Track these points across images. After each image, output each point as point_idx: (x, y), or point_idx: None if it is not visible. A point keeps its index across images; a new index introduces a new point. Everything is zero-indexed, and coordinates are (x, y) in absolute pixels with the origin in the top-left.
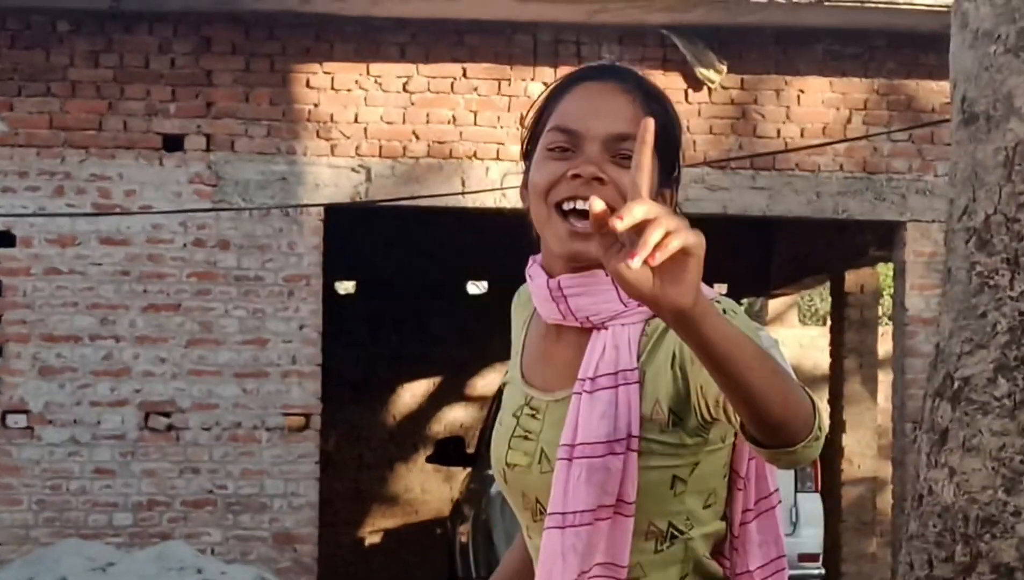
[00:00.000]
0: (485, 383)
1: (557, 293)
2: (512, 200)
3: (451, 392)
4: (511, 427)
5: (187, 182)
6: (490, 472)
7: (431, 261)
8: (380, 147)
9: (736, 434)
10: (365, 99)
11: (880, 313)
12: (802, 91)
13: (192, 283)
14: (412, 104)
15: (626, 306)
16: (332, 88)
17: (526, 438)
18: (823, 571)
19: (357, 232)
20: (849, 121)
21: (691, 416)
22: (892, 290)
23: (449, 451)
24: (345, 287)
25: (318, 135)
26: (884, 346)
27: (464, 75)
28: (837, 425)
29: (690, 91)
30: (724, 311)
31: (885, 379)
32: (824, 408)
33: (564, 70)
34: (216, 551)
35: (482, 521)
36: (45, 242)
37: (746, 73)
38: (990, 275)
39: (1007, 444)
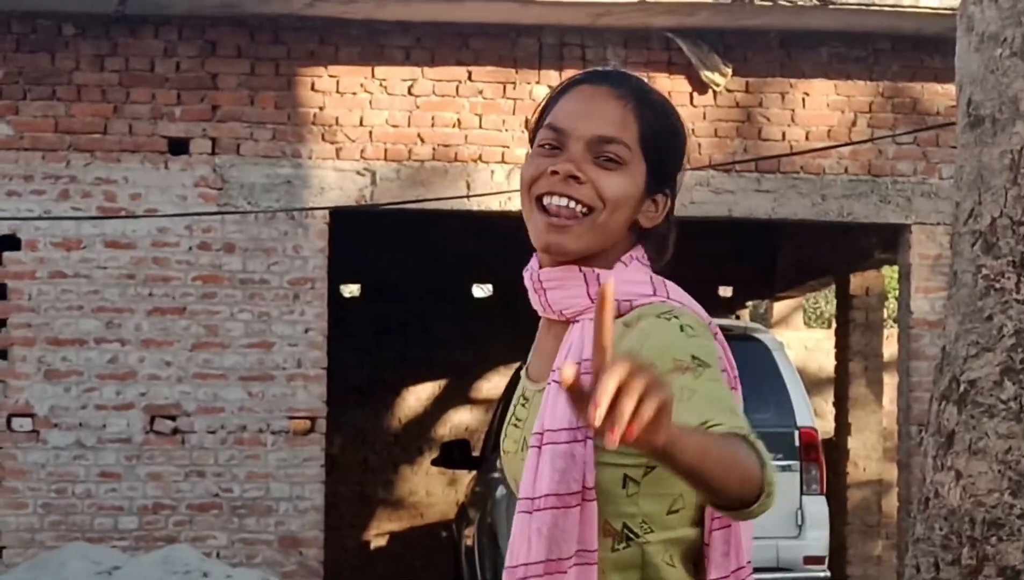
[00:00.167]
0: (490, 386)
1: (538, 285)
2: (517, 203)
3: (456, 395)
4: (510, 416)
5: (192, 185)
6: (495, 475)
7: (436, 264)
8: (385, 150)
9: None
10: (370, 102)
11: (885, 316)
12: (807, 94)
13: (197, 286)
14: (417, 107)
15: (592, 301)
16: (337, 91)
17: (516, 426)
18: (828, 574)
19: (362, 235)
20: (854, 124)
21: None
22: (897, 293)
23: (454, 454)
24: (350, 290)
25: (323, 138)
26: (889, 349)
27: (469, 78)
28: (842, 428)
29: (695, 94)
30: (681, 328)
31: (890, 382)
32: (771, 465)
33: (569, 73)
34: (222, 555)
35: (487, 524)
36: (50, 245)
37: (751, 76)
38: (996, 278)
39: (1013, 447)
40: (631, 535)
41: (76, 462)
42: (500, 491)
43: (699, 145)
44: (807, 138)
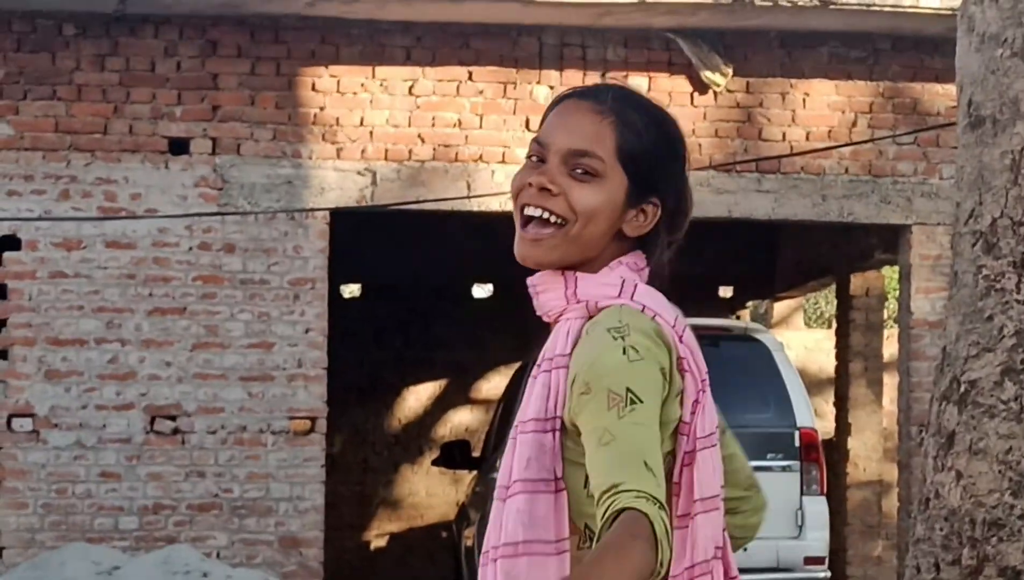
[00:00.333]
0: (490, 386)
1: (531, 289)
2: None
3: (456, 395)
4: None
5: (193, 185)
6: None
7: (436, 265)
8: (386, 150)
9: (671, 447)
10: (371, 102)
11: (885, 316)
12: (807, 94)
13: (198, 287)
14: (418, 107)
15: (567, 303)
16: (338, 91)
17: None
18: (828, 574)
19: (362, 235)
20: (854, 124)
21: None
22: (898, 293)
23: (455, 454)
24: (350, 290)
25: (324, 138)
26: (889, 349)
27: (470, 78)
28: (843, 428)
29: (695, 94)
30: (624, 350)
31: (891, 382)
32: (663, 530)
33: (569, 73)
34: (222, 555)
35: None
36: (51, 245)
37: (751, 76)
38: (996, 278)
39: (1014, 447)
40: (592, 535)
41: (76, 462)
42: None
43: (699, 145)
44: (807, 138)
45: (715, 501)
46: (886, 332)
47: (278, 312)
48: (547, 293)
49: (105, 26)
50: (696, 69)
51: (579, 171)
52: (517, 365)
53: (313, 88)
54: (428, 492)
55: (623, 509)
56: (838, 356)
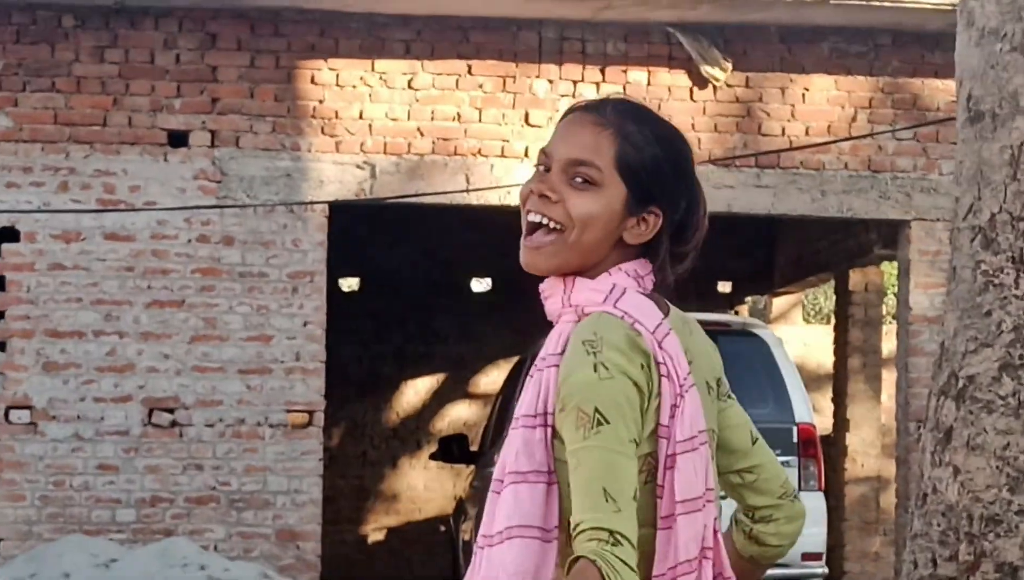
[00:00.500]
0: (488, 380)
1: (541, 295)
2: (516, 197)
3: (455, 389)
4: None
5: (192, 178)
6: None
7: (435, 258)
8: (385, 144)
9: (651, 449)
10: (370, 96)
11: (884, 312)
12: (807, 89)
13: (196, 279)
14: (417, 101)
15: (563, 307)
16: (337, 84)
17: None
18: (826, 570)
19: (361, 229)
20: (854, 119)
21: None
22: (896, 288)
23: (453, 448)
24: (349, 284)
25: (323, 131)
26: (888, 345)
27: (469, 72)
28: (841, 424)
29: (695, 89)
30: (595, 367)
31: (889, 377)
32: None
33: (569, 67)
34: (219, 548)
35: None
36: (49, 237)
37: (751, 71)
38: (995, 274)
39: (1011, 443)
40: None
41: (74, 454)
42: None
43: (699, 140)
44: (807, 133)
45: (698, 503)
46: (885, 328)
47: (277, 305)
48: (551, 298)
49: (104, 18)
50: (696, 63)
51: (578, 179)
52: (515, 359)
53: (312, 81)
54: (426, 486)
55: (579, 557)
56: (836, 352)
